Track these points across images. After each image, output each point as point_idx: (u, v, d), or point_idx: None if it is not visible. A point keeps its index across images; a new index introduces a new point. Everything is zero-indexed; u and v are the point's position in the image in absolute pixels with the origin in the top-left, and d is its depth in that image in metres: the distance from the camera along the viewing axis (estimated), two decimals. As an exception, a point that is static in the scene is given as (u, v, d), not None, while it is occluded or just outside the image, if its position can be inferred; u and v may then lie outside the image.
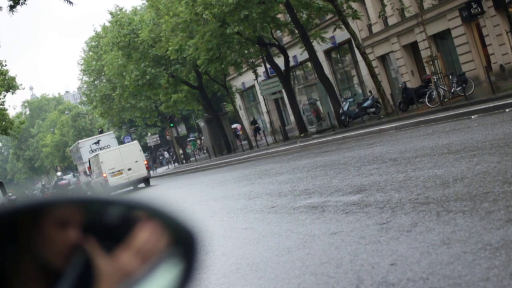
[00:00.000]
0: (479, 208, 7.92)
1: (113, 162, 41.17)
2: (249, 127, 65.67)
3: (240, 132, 65.85)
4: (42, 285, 1.50)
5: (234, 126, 71.53)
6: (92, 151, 56.64)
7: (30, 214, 1.53)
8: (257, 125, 64.55)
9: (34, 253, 1.51)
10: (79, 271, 1.52)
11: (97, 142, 61.81)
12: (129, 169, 41.37)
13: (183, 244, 1.64)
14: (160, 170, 72.78)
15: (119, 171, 41.22)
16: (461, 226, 7.25)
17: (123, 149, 42.84)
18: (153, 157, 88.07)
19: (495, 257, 5.77)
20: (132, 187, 42.70)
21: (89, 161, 48.31)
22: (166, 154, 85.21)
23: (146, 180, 43.06)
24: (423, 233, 7.48)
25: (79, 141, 66.03)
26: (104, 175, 41.07)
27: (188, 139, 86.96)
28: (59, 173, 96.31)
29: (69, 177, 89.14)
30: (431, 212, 8.46)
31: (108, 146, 58.09)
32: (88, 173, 52.85)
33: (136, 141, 46.08)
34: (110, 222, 1.60)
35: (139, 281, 1.55)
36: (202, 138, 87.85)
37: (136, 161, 41.81)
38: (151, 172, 73.16)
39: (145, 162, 42.88)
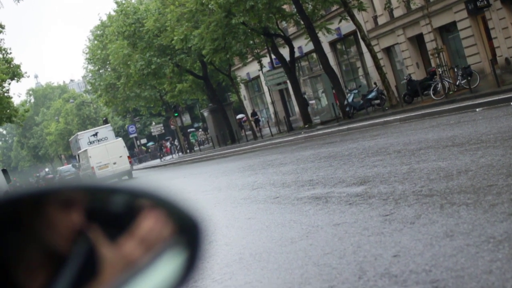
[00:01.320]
0: (482, 201, 7.92)
1: (100, 157, 45.71)
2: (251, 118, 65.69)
3: (246, 123, 65.79)
4: (47, 270, 1.51)
5: (239, 116, 71.42)
6: (91, 143, 59.94)
7: (34, 200, 1.53)
8: (257, 116, 64.52)
9: (38, 239, 1.51)
10: (82, 259, 1.52)
11: (95, 134, 64.38)
12: (114, 163, 45.87)
13: (187, 233, 1.64)
14: (168, 158, 72.96)
15: (105, 164, 45.71)
16: (464, 219, 7.25)
17: (109, 145, 47.44)
18: (160, 145, 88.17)
19: (498, 250, 5.77)
20: (116, 179, 44.63)
21: (78, 155, 53.37)
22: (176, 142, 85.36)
23: (129, 173, 46.97)
24: (427, 225, 7.48)
25: (78, 133, 68.74)
26: (92, 168, 45.31)
27: (188, 130, 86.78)
28: (46, 169, 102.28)
29: (69, 166, 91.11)
30: (434, 205, 8.46)
31: (106, 138, 61.35)
32: (77, 165, 57.71)
33: (120, 138, 51.27)
34: (114, 210, 1.60)
35: (143, 270, 1.55)
36: (200, 130, 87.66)
37: (121, 156, 46.45)
38: (159, 160, 73.82)
39: (128, 157, 47.83)
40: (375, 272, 6.14)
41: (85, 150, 47.73)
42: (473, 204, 7.88)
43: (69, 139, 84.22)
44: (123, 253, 1.54)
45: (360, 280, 6.05)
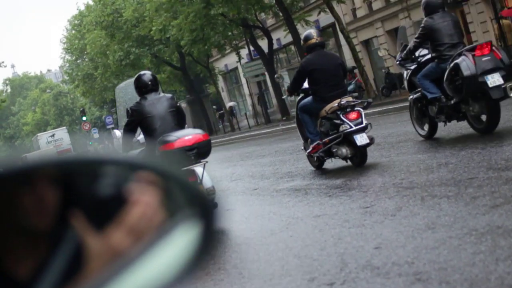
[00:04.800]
0: (463, 193, 7.89)
1: None
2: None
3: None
4: (33, 253, 1.42)
5: (230, 104, 70.56)
6: (48, 143, 73.60)
7: (4, 182, 1.42)
8: (221, 111, 64.22)
9: (14, 223, 1.41)
10: (68, 251, 1.42)
11: (52, 135, 76.24)
12: None
13: (199, 205, 1.55)
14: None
15: None
16: (446, 211, 7.22)
17: (43, 154, 61.10)
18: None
19: (481, 242, 5.74)
20: None
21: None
22: None
23: None
24: (408, 217, 7.44)
25: (38, 134, 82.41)
26: None
27: None
28: None
29: None
30: (415, 197, 8.43)
31: (62, 139, 74.09)
32: None
33: (52, 147, 64.48)
34: (101, 192, 1.49)
35: (135, 260, 1.46)
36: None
37: None
38: None
39: None
40: (357, 264, 6.10)
41: (25, 156, 62.45)
42: (454, 196, 7.86)
43: (32, 139, 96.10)
44: (110, 243, 1.45)
45: (342, 272, 6.01)
